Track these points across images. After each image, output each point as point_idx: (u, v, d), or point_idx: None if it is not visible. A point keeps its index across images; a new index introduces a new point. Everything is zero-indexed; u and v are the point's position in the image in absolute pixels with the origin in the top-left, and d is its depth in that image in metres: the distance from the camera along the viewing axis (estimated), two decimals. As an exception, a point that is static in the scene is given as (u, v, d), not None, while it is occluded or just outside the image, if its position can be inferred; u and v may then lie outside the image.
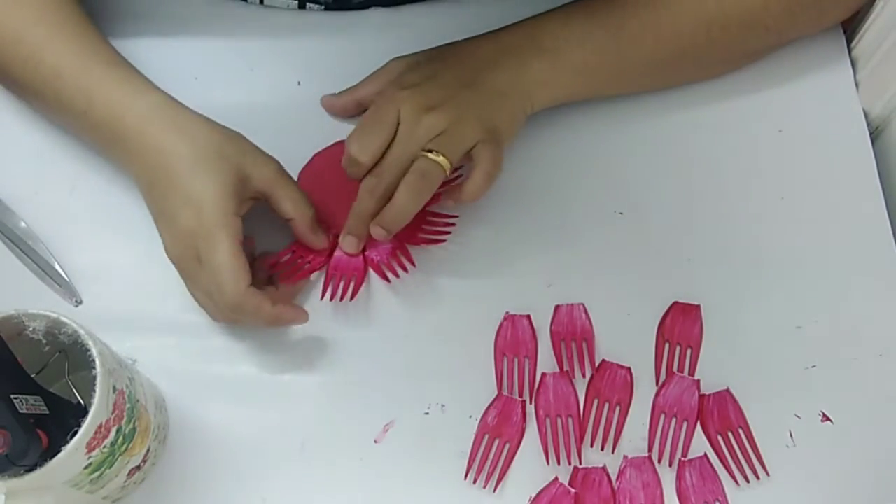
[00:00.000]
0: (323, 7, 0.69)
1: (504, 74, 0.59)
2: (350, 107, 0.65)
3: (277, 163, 0.58)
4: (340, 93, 0.65)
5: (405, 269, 0.60)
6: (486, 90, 0.59)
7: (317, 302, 0.61)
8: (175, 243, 0.56)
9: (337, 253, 0.61)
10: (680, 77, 0.67)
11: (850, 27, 0.70)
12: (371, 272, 0.61)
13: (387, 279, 0.60)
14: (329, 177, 0.62)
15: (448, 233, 0.61)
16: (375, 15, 0.70)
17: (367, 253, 0.61)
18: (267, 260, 0.60)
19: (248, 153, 0.57)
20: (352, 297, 0.60)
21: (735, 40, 0.64)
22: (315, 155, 0.65)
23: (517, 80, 0.60)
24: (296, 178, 0.63)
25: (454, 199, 0.59)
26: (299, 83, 0.68)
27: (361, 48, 0.69)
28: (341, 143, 0.65)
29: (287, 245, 0.61)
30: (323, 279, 0.61)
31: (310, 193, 0.60)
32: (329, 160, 0.64)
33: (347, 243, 0.60)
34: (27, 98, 0.63)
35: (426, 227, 0.61)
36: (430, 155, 0.56)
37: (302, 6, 0.70)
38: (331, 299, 0.60)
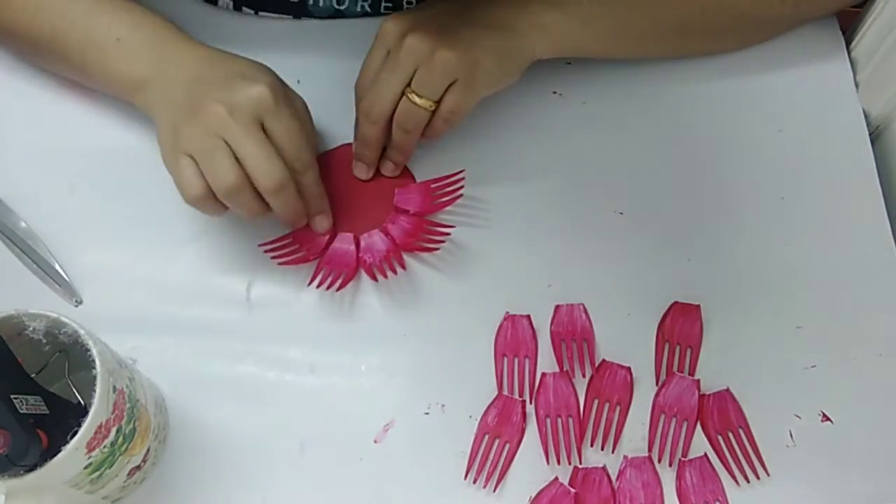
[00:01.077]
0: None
1: (501, 10, 0.59)
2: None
3: (299, 107, 0.61)
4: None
5: (395, 272, 0.60)
6: (478, 23, 0.59)
7: (315, 302, 0.61)
8: (231, 111, 0.55)
9: (332, 247, 0.61)
10: (690, 44, 0.66)
11: (850, 27, 0.71)
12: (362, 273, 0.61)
13: (375, 278, 0.60)
14: (328, 179, 0.62)
15: (442, 241, 0.61)
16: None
17: (360, 254, 0.61)
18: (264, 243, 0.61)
19: (274, 85, 0.58)
20: (338, 288, 0.60)
21: (745, 5, 0.63)
22: (327, 152, 0.65)
23: (515, 18, 0.60)
24: None
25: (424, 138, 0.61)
26: (299, 81, 0.68)
27: (361, 46, 0.69)
28: (341, 147, 0.65)
29: (287, 234, 0.62)
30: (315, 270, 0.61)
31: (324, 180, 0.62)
32: (328, 163, 0.64)
33: (358, 170, 0.63)
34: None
35: (422, 234, 0.61)
36: (412, 97, 0.58)
37: (297, 18, 0.70)
38: (317, 286, 0.60)
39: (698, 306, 0.61)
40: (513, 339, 0.60)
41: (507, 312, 0.60)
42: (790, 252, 0.63)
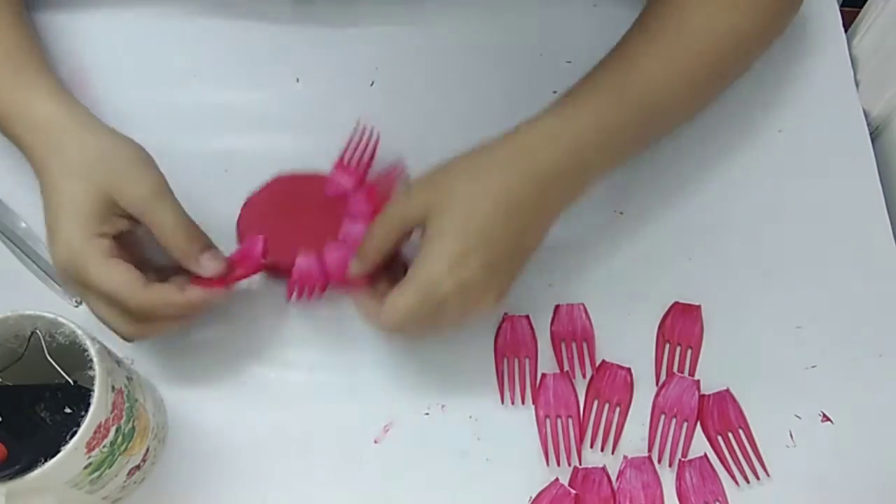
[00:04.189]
0: None
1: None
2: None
3: (157, 182, 0.54)
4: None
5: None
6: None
7: (315, 302, 0.61)
8: (58, 266, 0.53)
9: (297, 265, 0.58)
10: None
11: (851, 27, 0.71)
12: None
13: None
14: (276, 209, 0.61)
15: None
16: (370, 11, 0.70)
17: (327, 264, 0.58)
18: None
19: (121, 172, 0.53)
20: (321, 295, 0.59)
21: (743, 60, 0.62)
22: (257, 191, 0.62)
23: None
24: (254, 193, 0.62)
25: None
26: (298, 80, 0.68)
27: (359, 46, 0.69)
28: (278, 178, 0.63)
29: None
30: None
31: (266, 215, 0.61)
32: (271, 194, 0.62)
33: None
34: None
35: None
36: None
37: None
38: (298, 298, 0.59)
39: (699, 306, 0.61)
40: (512, 340, 0.60)
41: (506, 314, 0.60)
42: (790, 252, 0.63)
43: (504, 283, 0.54)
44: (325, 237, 0.60)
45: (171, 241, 0.54)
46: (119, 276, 0.52)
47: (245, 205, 0.62)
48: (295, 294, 0.59)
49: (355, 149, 0.63)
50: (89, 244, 0.52)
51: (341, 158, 0.63)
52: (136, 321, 0.53)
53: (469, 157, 0.55)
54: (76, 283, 0.53)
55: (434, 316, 0.52)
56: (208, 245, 0.56)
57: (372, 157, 0.62)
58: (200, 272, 0.55)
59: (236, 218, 0.61)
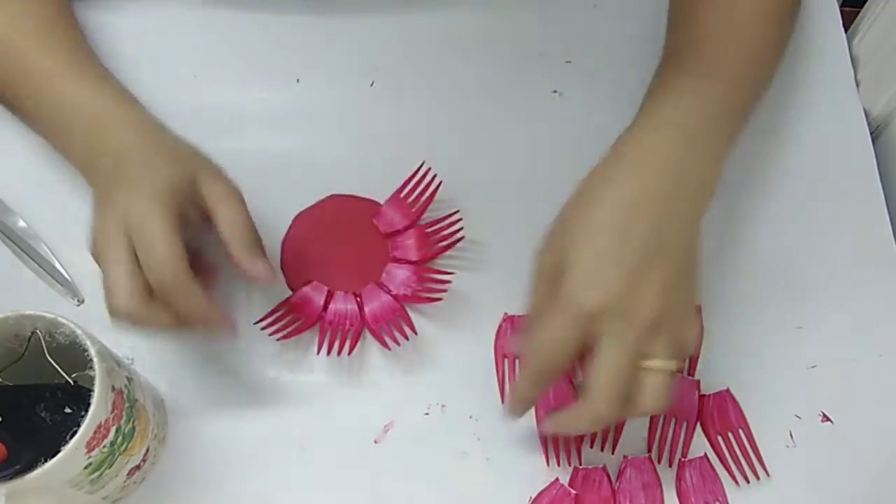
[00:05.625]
0: None
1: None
2: None
3: (235, 184, 0.57)
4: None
5: (406, 337, 0.58)
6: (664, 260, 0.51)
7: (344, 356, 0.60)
8: (118, 213, 0.53)
9: (332, 307, 0.59)
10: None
11: (851, 26, 0.70)
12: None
13: (387, 346, 0.58)
14: (324, 230, 0.62)
15: (444, 290, 0.59)
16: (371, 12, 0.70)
17: (366, 312, 0.59)
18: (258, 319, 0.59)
19: (208, 166, 0.57)
20: (349, 352, 0.58)
21: (785, 37, 0.64)
22: (309, 207, 0.63)
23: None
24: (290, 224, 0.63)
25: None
26: (298, 80, 0.68)
27: (359, 46, 0.69)
28: (329, 199, 0.63)
29: (281, 301, 0.60)
30: (318, 336, 0.59)
31: (304, 246, 0.61)
32: (322, 213, 0.63)
33: (513, 408, 0.54)
34: (6, 102, 0.61)
35: (421, 283, 0.60)
36: (653, 364, 0.49)
37: None
38: (328, 353, 0.58)
39: (699, 306, 0.61)
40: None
41: (506, 314, 0.60)
42: (790, 252, 0.63)
43: (682, 298, 0.51)
44: (367, 273, 0.60)
45: (236, 236, 0.55)
46: (176, 246, 0.52)
47: (294, 220, 0.62)
48: (326, 343, 0.58)
49: (415, 187, 0.62)
50: (167, 207, 0.53)
51: (398, 192, 0.62)
52: (148, 298, 0.52)
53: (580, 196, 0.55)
54: (122, 236, 0.52)
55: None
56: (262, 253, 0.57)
57: (430, 200, 0.61)
58: (253, 271, 0.54)
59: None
